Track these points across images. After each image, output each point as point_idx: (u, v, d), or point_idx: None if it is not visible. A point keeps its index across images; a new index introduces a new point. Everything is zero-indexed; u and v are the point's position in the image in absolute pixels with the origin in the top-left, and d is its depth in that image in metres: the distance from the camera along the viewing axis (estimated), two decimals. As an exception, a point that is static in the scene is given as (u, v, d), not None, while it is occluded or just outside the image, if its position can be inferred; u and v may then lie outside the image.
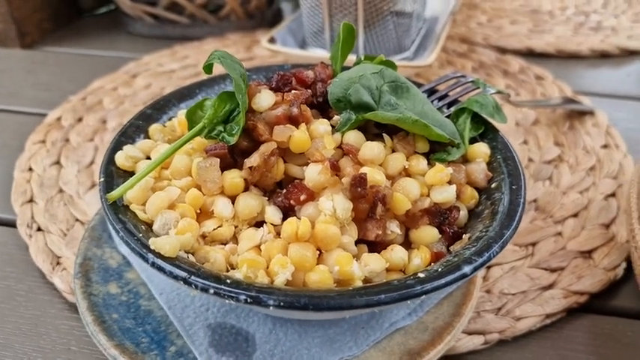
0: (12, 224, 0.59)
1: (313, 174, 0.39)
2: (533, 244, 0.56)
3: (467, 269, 0.35)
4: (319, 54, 0.83)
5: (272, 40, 0.82)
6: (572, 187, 0.63)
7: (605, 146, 0.70)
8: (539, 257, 0.54)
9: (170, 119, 0.49)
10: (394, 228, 0.39)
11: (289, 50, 0.81)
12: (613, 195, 0.62)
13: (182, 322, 0.42)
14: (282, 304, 0.32)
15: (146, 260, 0.35)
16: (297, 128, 0.41)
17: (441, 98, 0.52)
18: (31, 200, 0.61)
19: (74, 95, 0.83)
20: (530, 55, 0.96)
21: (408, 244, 0.41)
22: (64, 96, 0.84)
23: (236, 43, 0.99)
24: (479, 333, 0.47)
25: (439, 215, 0.40)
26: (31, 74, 0.93)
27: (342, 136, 0.42)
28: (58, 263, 0.53)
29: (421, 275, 0.34)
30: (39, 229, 0.57)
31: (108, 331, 0.42)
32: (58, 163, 0.67)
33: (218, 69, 0.44)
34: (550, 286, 0.51)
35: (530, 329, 0.48)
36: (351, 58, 0.51)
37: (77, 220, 0.58)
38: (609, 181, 0.64)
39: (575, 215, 0.59)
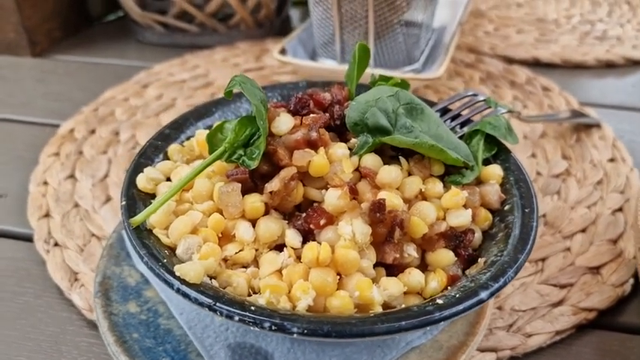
0: (29, 239, 0.60)
1: (333, 199, 0.40)
2: (543, 260, 0.57)
3: (483, 295, 0.36)
4: (329, 65, 0.83)
5: (283, 51, 0.83)
6: (580, 201, 0.64)
7: (611, 160, 0.71)
8: (548, 273, 0.55)
9: (188, 138, 0.50)
10: (411, 251, 0.40)
11: (300, 62, 0.82)
12: (620, 210, 0.63)
13: (203, 342, 0.43)
14: (305, 331, 0.33)
15: (171, 286, 0.35)
16: (316, 152, 0.42)
17: (453, 118, 0.53)
18: (47, 215, 0.62)
19: (86, 106, 0.84)
20: (536, 64, 0.97)
21: (423, 266, 0.42)
22: (75, 106, 0.85)
23: (245, 52, 1.00)
24: (491, 350, 0.48)
25: (455, 238, 0.41)
26: (42, 83, 0.94)
27: (360, 159, 0.43)
28: (76, 279, 0.54)
29: (440, 301, 0.35)
30: (56, 245, 0.58)
31: (129, 352, 0.42)
32: (72, 176, 0.68)
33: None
34: (560, 303, 0.52)
35: (540, 346, 0.49)
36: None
37: (93, 235, 0.59)
38: (616, 195, 0.65)
39: (584, 230, 0.60)
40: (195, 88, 0.87)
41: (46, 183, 0.67)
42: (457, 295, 0.36)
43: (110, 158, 0.72)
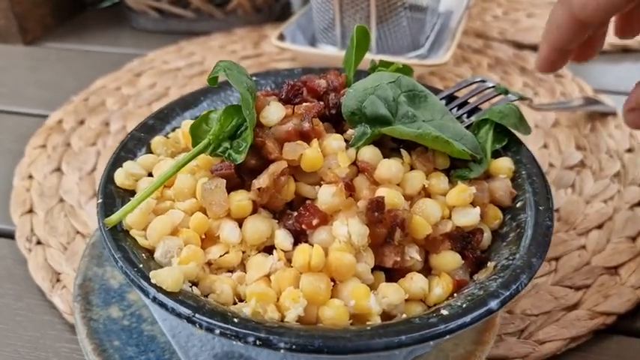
0: (11, 235, 0.57)
1: (327, 196, 0.36)
2: (557, 259, 0.53)
3: (493, 304, 0.32)
4: (329, 51, 0.79)
5: (281, 37, 0.79)
6: (596, 195, 0.60)
7: (629, 150, 0.67)
8: (562, 273, 0.51)
9: (174, 130, 0.47)
10: (413, 254, 0.37)
11: (298, 48, 0.78)
12: (639, 204, 0.59)
13: (187, 352, 0.39)
14: (294, 346, 0.29)
15: (147, 295, 0.32)
16: (309, 145, 0.38)
17: (460, 106, 0.49)
18: (30, 210, 0.59)
19: (76, 95, 0.80)
20: (548, 50, 0.92)
21: (427, 269, 0.38)
22: (66, 95, 0.81)
23: (243, 38, 0.96)
24: (501, 359, 0.44)
25: (462, 239, 0.38)
26: (33, 72, 0.91)
27: (357, 152, 0.39)
28: (58, 280, 0.51)
29: (444, 312, 0.32)
30: (38, 243, 0.55)
31: (108, 361, 0.39)
32: (59, 169, 0.65)
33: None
34: (575, 306, 0.48)
35: (554, 353, 0.45)
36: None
37: (78, 232, 0.56)
38: (635, 188, 0.61)
39: (600, 227, 0.56)
40: (191, 77, 0.83)
41: (31, 177, 0.64)
42: (464, 305, 0.32)
43: (99, 150, 0.68)
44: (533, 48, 0.92)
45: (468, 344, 0.41)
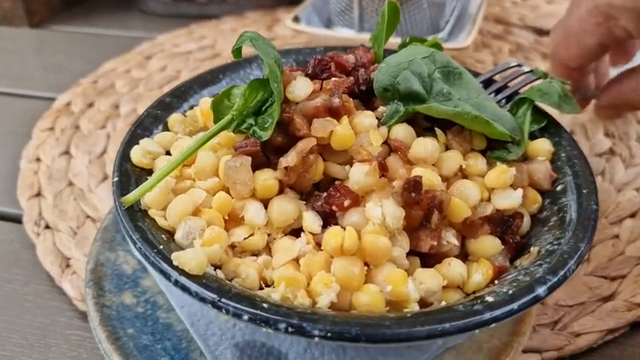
0: (18, 220, 0.55)
1: (359, 175, 0.33)
2: (589, 248, 0.50)
3: (541, 291, 0.30)
4: (346, 34, 0.77)
5: (296, 19, 0.77)
6: (628, 183, 0.58)
7: (659, 137, 0.64)
8: (596, 263, 0.49)
9: (191, 108, 0.44)
10: (451, 238, 0.34)
11: (314, 30, 0.75)
12: (673, 193, 0.56)
13: (207, 341, 0.37)
14: (329, 334, 0.27)
15: (168, 278, 0.30)
16: (339, 121, 0.36)
17: (497, 91, 0.46)
18: (38, 194, 0.57)
19: (84, 78, 0.78)
20: (569, 36, 0.89)
21: (463, 255, 0.36)
22: (74, 78, 0.79)
23: (256, 22, 0.93)
24: (535, 351, 0.42)
25: (502, 223, 0.35)
26: (40, 55, 0.88)
27: (389, 131, 0.37)
28: (67, 266, 0.49)
29: (489, 299, 0.29)
30: (47, 227, 0.53)
31: (123, 350, 0.37)
32: (67, 152, 0.63)
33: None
34: (610, 297, 0.46)
35: (590, 346, 0.43)
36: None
37: (88, 216, 0.54)
38: (668, 176, 0.58)
39: (633, 215, 0.54)
40: (202, 60, 0.81)
41: (38, 159, 0.62)
42: (510, 292, 0.30)
43: (109, 133, 0.66)
44: (555, 34, 0.89)
45: (504, 335, 0.39)
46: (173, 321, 0.40)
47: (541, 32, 0.90)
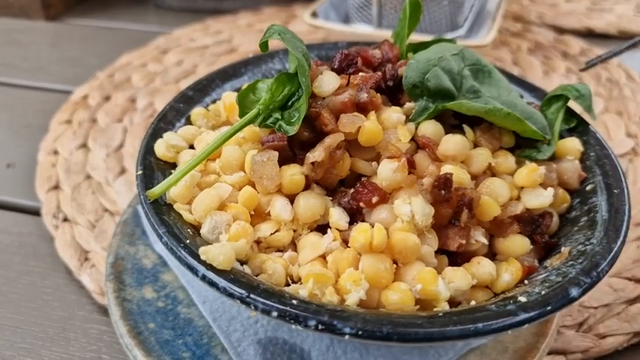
0: (36, 212, 0.55)
1: (388, 172, 0.33)
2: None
3: (574, 292, 0.29)
4: (364, 29, 0.76)
5: (314, 15, 0.76)
6: (651, 184, 0.57)
7: (682, 139, 0.63)
8: (620, 265, 0.48)
9: (213, 102, 0.44)
10: (479, 237, 0.34)
11: (333, 25, 0.75)
12: (697, 195, 0.55)
13: (229, 337, 0.37)
14: (360, 332, 0.27)
15: (195, 273, 0.29)
16: (366, 117, 0.35)
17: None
18: (56, 187, 0.56)
19: (101, 71, 0.78)
20: (589, 35, 0.88)
21: (490, 254, 0.35)
22: (90, 72, 0.79)
23: (272, 17, 0.93)
24: (559, 353, 0.41)
25: (531, 222, 0.35)
26: (56, 48, 0.88)
27: (417, 127, 0.36)
28: (86, 259, 0.48)
29: (522, 299, 0.29)
30: (65, 220, 0.52)
31: (144, 344, 0.37)
32: (85, 146, 0.62)
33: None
34: (637, 299, 0.45)
35: (616, 349, 0.42)
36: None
37: (106, 210, 0.53)
38: (692, 178, 0.57)
39: (657, 217, 0.53)
40: (219, 55, 0.80)
41: (56, 152, 0.61)
42: (542, 292, 0.29)
43: (126, 127, 0.66)
44: (574, 33, 0.88)
45: (529, 336, 0.38)
46: (194, 316, 0.39)
47: (561, 31, 0.89)
